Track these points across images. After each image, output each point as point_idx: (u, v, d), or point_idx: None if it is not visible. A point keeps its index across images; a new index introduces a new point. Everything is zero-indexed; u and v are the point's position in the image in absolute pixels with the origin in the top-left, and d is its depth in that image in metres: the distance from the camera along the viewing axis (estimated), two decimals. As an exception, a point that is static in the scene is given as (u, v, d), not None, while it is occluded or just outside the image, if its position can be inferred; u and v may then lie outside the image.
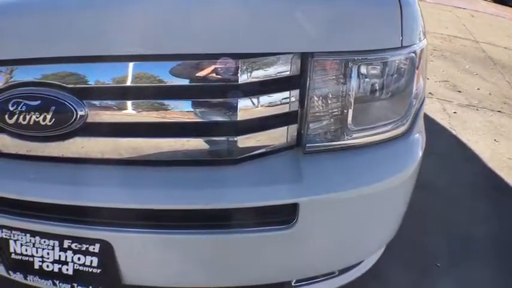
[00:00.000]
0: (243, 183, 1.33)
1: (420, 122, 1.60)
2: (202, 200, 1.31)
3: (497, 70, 5.16)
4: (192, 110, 1.30)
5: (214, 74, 1.28)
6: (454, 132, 3.75)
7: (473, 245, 2.60)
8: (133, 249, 1.36)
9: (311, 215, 1.36)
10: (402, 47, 1.39)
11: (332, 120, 1.39)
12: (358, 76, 1.36)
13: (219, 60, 1.27)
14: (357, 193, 1.38)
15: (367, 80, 1.38)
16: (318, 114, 1.37)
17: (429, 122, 3.84)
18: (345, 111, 1.38)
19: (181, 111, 1.30)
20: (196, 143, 1.34)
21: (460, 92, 4.52)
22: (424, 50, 1.55)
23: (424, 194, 2.92)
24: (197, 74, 1.28)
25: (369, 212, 1.46)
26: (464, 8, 7.75)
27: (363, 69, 1.36)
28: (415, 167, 1.51)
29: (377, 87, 1.40)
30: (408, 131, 1.51)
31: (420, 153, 1.54)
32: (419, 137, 1.56)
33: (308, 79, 1.33)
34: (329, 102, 1.37)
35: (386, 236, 1.62)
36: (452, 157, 3.40)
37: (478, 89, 4.64)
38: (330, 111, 1.38)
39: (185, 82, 1.28)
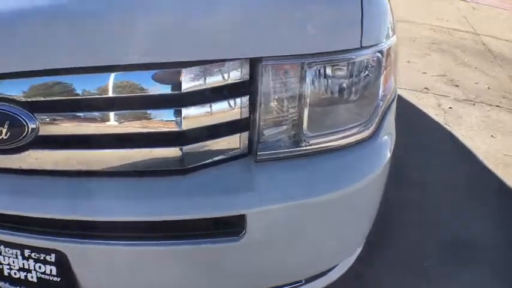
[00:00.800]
0: (190, 193, 1.30)
1: (388, 123, 1.53)
2: (148, 212, 1.29)
3: (497, 63, 5.02)
4: (137, 120, 1.27)
5: (156, 84, 1.24)
6: (448, 128, 3.62)
7: (462, 246, 2.51)
8: (86, 260, 1.35)
9: (262, 226, 1.32)
10: (362, 48, 1.32)
11: (286, 126, 1.34)
12: (312, 80, 1.30)
13: (161, 70, 1.23)
14: (311, 202, 1.32)
15: (322, 83, 1.32)
16: (269, 120, 1.32)
17: (422, 118, 3.73)
18: (300, 117, 1.32)
19: (126, 122, 1.27)
20: (144, 154, 1.30)
21: (457, 86, 4.38)
22: (393, 47, 1.48)
23: (413, 192, 2.84)
24: (140, 85, 1.24)
25: (329, 220, 1.39)
26: (465, 0, 7.59)
27: (317, 73, 1.30)
28: (380, 172, 1.44)
29: (335, 91, 1.34)
30: (374, 135, 1.45)
31: (387, 157, 1.48)
32: (387, 139, 1.50)
33: (257, 85, 1.28)
34: (281, 108, 1.31)
35: (352, 243, 1.56)
36: (444, 154, 3.29)
37: (476, 83, 4.50)
38: (283, 117, 1.33)
39: (128, 93, 1.24)
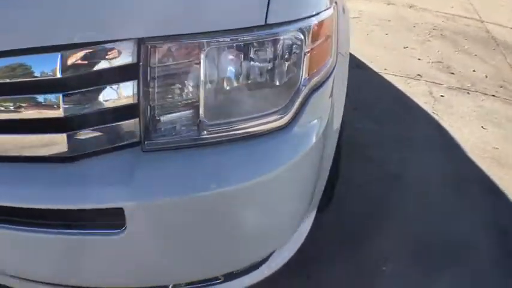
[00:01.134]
0: (67, 182, 1.21)
1: (317, 108, 1.38)
2: (23, 199, 1.21)
3: (499, 51, 4.74)
4: (19, 106, 1.18)
5: (36, 68, 1.14)
6: (435, 117, 3.37)
7: (427, 248, 2.30)
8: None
9: (146, 221, 1.21)
10: (268, 26, 1.18)
11: (180, 114, 1.22)
12: (207, 63, 1.18)
13: (40, 54, 1.13)
14: (201, 198, 1.20)
15: (219, 67, 1.20)
16: (160, 107, 1.20)
17: (409, 106, 3.49)
18: (195, 103, 1.21)
19: (8, 107, 1.18)
20: (27, 141, 1.22)
21: (452, 73, 4.11)
22: (329, 22, 1.35)
23: (385, 186, 2.64)
24: (20, 69, 1.15)
25: (229, 215, 1.27)
26: (474, -13, 7.32)
27: (213, 55, 1.18)
28: (296, 162, 1.29)
29: (235, 76, 1.22)
30: (292, 122, 1.30)
31: (309, 145, 1.33)
32: (310, 126, 1.36)
33: (145, 68, 1.16)
34: (173, 93, 1.20)
35: (270, 238, 1.43)
36: (428, 145, 3.05)
37: (474, 70, 4.22)
38: (176, 103, 1.21)
39: (9, 78, 1.15)
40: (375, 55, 4.22)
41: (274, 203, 1.33)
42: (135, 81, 1.17)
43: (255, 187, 1.23)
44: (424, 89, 3.77)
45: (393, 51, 4.39)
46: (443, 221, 2.46)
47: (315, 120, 1.36)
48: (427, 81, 3.90)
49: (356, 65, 4.01)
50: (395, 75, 3.91)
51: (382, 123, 3.14)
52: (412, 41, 4.67)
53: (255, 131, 1.26)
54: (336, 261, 2.14)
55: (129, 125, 1.21)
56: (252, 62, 1.21)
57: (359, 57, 4.14)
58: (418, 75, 3.98)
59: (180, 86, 1.19)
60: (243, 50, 1.19)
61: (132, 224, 1.18)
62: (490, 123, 3.39)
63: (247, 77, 1.22)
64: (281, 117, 1.27)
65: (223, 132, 1.24)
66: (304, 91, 1.30)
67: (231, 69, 1.20)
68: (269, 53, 1.21)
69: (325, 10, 1.32)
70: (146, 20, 1.13)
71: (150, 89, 1.17)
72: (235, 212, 1.27)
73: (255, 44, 1.19)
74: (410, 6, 5.56)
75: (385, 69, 3.99)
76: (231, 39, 1.17)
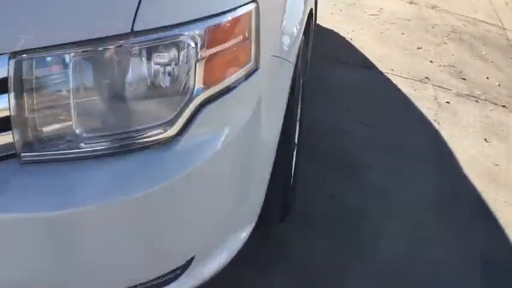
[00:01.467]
0: None
1: (221, 119, 1.33)
2: None
3: (517, 61, 4.48)
4: None
5: None
6: (436, 125, 3.15)
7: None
8: None
9: (17, 233, 1.17)
10: (136, 33, 1.15)
11: (55, 126, 1.20)
12: (78, 74, 1.16)
13: None
14: (70, 214, 1.15)
15: (91, 78, 1.18)
16: (34, 120, 1.19)
17: (409, 111, 3.28)
18: (70, 116, 1.19)
19: None
20: None
21: (464, 79, 3.88)
22: (241, 24, 1.29)
23: (364, 198, 2.44)
24: None
25: (110, 233, 1.21)
26: (500, -7, 7.03)
27: (82, 66, 1.16)
28: (182, 177, 1.23)
29: (109, 87, 1.19)
30: (180, 135, 1.25)
31: (201, 160, 1.27)
32: (206, 139, 1.29)
33: (16, 81, 1.15)
34: (46, 106, 1.19)
35: (165, 259, 1.36)
36: (419, 156, 2.83)
37: (487, 78, 3.98)
38: (49, 116, 1.19)
39: None
40: (384, 54, 4.01)
41: (166, 218, 1.27)
42: (8, 94, 1.15)
43: (131, 203, 1.19)
44: (430, 93, 3.56)
45: (405, 51, 4.17)
46: (418, 246, 2.24)
47: (217, 131, 1.30)
48: (434, 85, 3.68)
49: (361, 64, 3.81)
50: (402, 77, 3.70)
51: (374, 128, 2.93)
52: (427, 42, 4.45)
53: (138, 144, 1.22)
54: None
55: (6, 137, 1.18)
56: (125, 73, 1.19)
57: (367, 55, 3.94)
58: (426, 78, 3.76)
59: (52, 99, 1.18)
60: (113, 59, 1.17)
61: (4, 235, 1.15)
62: (494, 136, 3.16)
63: (122, 88, 1.19)
64: (166, 130, 1.23)
65: (102, 144, 1.20)
66: (196, 101, 1.25)
67: (102, 81, 1.18)
68: (144, 62, 1.18)
69: (233, 10, 1.26)
70: (13, 35, 1.12)
71: (22, 102, 1.16)
72: (110, 227, 1.21)
73: (124, 53, 1.16)
74: (433, 7, 5.33)
75: (392, 69, 3.78)
76: (99, 50, 1.15)
